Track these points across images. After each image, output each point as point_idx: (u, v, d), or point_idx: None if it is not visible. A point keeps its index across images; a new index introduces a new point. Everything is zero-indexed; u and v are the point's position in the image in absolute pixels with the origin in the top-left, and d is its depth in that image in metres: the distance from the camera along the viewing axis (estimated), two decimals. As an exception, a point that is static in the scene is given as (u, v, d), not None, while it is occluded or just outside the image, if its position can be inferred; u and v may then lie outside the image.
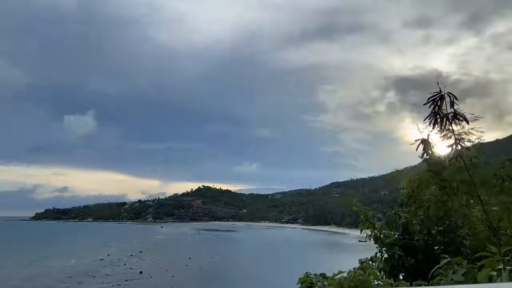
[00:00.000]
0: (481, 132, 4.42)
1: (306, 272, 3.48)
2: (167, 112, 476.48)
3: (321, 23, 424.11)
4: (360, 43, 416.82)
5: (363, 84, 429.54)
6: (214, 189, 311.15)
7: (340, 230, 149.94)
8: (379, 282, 3.49)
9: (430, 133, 4.67)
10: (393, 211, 6.05)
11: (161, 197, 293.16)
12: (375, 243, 5.63)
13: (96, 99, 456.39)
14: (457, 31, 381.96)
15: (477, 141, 4.44)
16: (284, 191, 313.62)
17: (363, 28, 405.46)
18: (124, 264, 55.30)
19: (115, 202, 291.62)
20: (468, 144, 4.44)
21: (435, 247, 5.31)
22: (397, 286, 3.75)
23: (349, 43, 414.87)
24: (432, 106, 4.48)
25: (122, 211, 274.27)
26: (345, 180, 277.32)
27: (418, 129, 4.74)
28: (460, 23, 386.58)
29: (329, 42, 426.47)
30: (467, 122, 4.38)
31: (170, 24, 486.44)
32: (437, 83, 4.51)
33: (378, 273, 4.66)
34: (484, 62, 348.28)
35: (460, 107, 4.43)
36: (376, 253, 5.53)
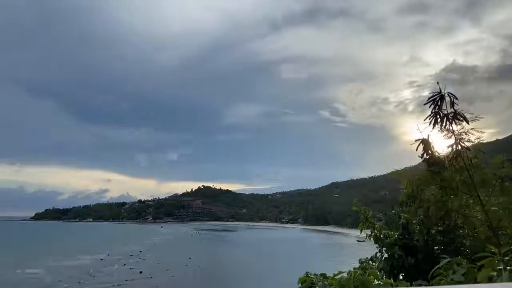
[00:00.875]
0: (481, 132, 4.42)
1: (307, 272, 3.48)
2: (166, 112, 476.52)
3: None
4: (350, 31, 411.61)
5: (361, 80, 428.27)
6: (214, 189, 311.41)
7: (340, 230, 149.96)
8: (379, 282, 3.50)
9: (430, 133, 4.67)
10: (393, 211, 6.05)
11: (161, 197, 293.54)
12: (375, 243, 5.63)
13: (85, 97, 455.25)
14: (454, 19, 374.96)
15: (477, 141, 4.44)
16: (284, 191, 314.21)
17: (352, 14, 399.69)
18: (124, 264, 55.28)
19: (115, 202, 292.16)
20: (468, 144, 4.44)
21: (435, 247, 5.31)
22: (397, 286, 3.76)
23: (339, 32, 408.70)
24: (432, 106, 4.48)
25: (122, 211, 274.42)
26: (345, 180, 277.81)
27: (418, 129, 4.74)
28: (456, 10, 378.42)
29: (318, 29, 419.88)
30: (467, 122, 4.37)
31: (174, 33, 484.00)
32: (437, 82, 4.51)
33: (378, 273, 4.67)
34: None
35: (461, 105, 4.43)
36: (376, 253, 5.53)
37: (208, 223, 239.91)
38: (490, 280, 2.54)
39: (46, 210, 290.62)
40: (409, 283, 4.52)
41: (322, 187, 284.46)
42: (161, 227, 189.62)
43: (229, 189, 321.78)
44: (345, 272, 3.22)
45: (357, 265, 5.04)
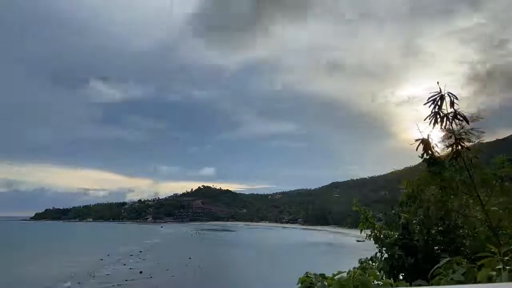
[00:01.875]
0: (481, 132, 4.41)
1: (306, 272, 3.47)
2: (166, 111, 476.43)
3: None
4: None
5: (356, 77, 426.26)
6: (214, 189, 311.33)
7: (340, 230, 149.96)
8: (379, 282, 3.49)
9: (430, 133, 4.67)
10: (393, 211, 6.05)
11: (161, 197, 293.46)
12: (375, 243, 5.62)
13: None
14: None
15: (477, 141, 4.44)
16: (284, 191, 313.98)
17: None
18: (124, 264, 55.28)
19: (115, 202, 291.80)
20: (468, 144, 4.43)
21: (435, 247, 5.30)
22: (397, 286, 3.75)
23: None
24: (433, 106, 4.48)
25: (122, 211, 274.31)
26: (345, 180, 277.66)
27: (418, 128, 4.73)
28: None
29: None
30: (467, 122, 4.37)
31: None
32: (437, 82, 4.51)
33: (378, 273, 4.66)
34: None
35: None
36: (376, 253, 5.52)
37: (208, 223, 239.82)
38: (490, 279, 2.54)
39: (46, 210, 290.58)
40: (409, 283, 4.52)
41: (322, 187, 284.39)
42: (161, 227, 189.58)
43: (229, 189, 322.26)
44: (345, 272, 3.21)
45: (357, 265, 5.03)
